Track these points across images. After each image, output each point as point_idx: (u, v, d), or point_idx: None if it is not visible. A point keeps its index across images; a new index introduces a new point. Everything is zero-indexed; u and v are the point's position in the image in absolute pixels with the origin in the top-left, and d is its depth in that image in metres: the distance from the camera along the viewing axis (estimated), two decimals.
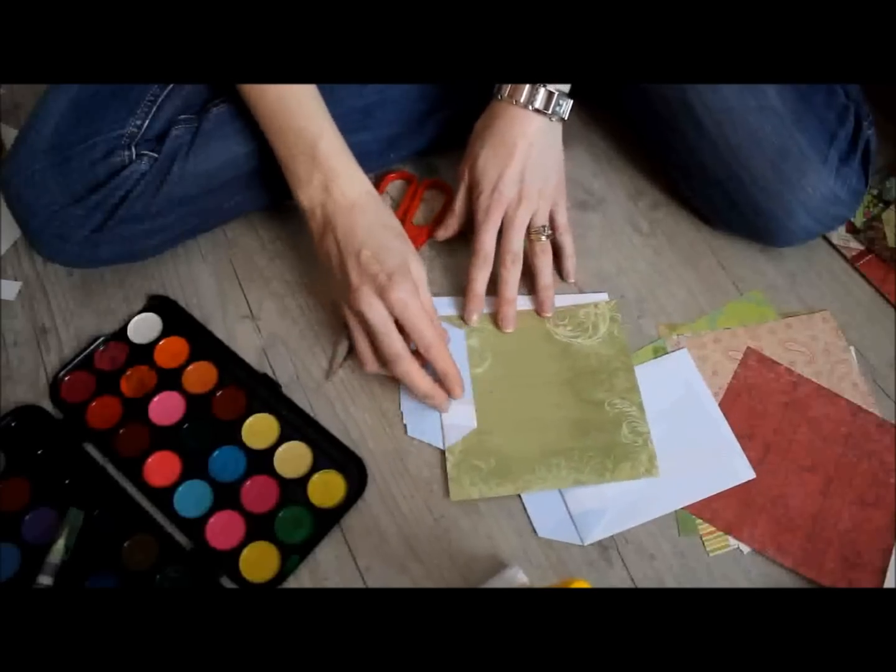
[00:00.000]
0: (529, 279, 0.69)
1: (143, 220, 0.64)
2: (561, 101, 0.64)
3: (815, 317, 0.71)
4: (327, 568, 0.60)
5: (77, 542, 0.59)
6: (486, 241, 0.66)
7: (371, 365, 0.62)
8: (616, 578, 0.60)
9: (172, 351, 0.68)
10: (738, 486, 0.63)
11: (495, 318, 0.68)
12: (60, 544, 0.58)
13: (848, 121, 0.68)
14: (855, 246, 0.75)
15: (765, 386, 0.67)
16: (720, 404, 0.66)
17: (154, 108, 0.63)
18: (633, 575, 0.60)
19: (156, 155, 0.63)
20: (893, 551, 0.60)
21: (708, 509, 0.62)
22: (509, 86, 0.64)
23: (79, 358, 0.67)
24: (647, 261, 0.74)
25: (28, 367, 0.68)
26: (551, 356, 0.67)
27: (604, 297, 0.71)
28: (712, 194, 0.72)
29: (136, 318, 0.70)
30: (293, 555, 0.59)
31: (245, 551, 0.60)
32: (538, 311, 0.69)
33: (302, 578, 0.59)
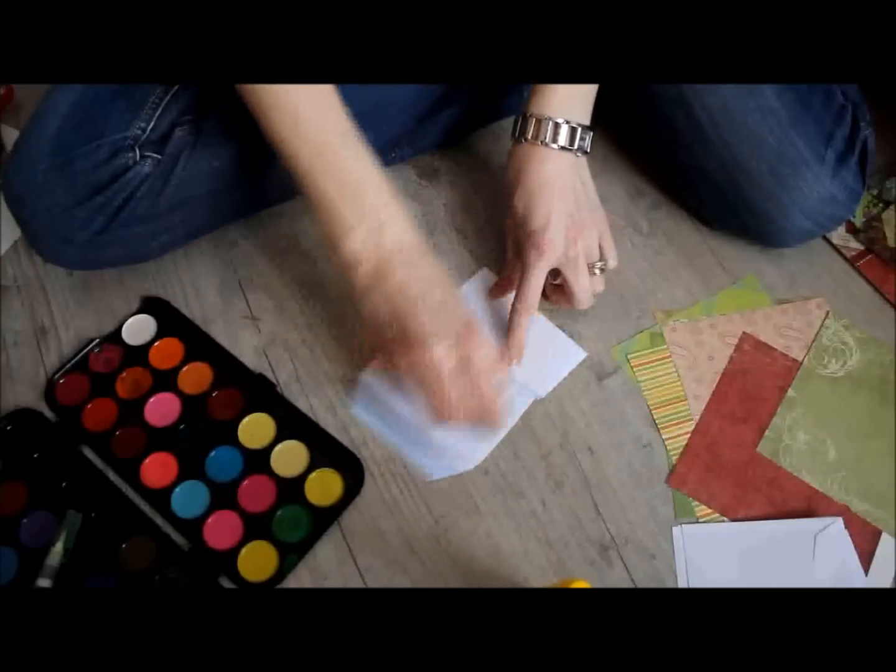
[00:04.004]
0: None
1: (146, 222, 0.64)
2: (584, 136, 0.63)
3: (809, 303, 0.72)
4: (327, 568, 0.60)
5: (75, 545, 0.59)
6: (536, 284, 0.62)
7: (456, 414, 0.56)
8: (616, 578, 0.59)
9: (167, 352, 0.68)
10: (736, 467, 0.64)
11: None
12: (59, 547, 0.58)
13: (845, 121, 0.68)
14: (855, 246, 0.75)
15: (760, 370, 0.68)
16: (716, 389, 0.67)
17: (159, 110, 0.63)
18: (633, 575, 0.60)
19: (159, 157, 0.62)
20: (884, 544, 0.61)
21: (704, 491, 0.63)
22: (532, 127, 0.62)
23: (73, 360, 0.67)
24: (646, 261, 0.74)
25: (28, 368, 0.68)
26: None
27: (582, 355, 0.69)
28: (710, 195, 0.72)
29: (130, 319, 0.69)
30: (291, 554, 0.59)
31: (243, 551, 0.59)
32: None
33: (302, 578, 0.59)
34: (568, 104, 0.62)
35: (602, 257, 0.65)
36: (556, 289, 0.67)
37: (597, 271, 0.65)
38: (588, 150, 0.64)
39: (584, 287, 0.63)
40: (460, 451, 0.63)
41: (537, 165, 0.63)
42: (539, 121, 0.62)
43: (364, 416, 0.65)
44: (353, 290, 0.57)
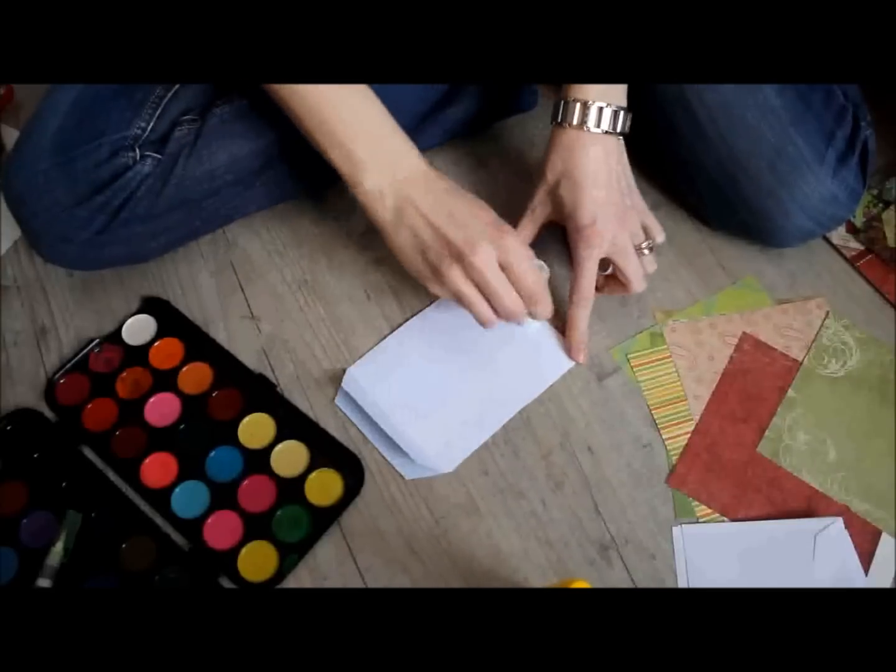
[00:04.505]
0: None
1: (146, 222, 0.64)
2: (625, 118, 0.63)
3: (809, 303, 0.72)
4: (327, 568, 0.60)
5: (75, 545, 0.59)
6: (590, 276, 0.64)
7: (494, 322, 0.61)
8: (616, 578, 0.59)
9: (167, 352, 0.68)
10: (736, 467, 0.63)
11: None
12: (59, 547, 0.58)
13: (846, 121, 0.68)
14: (855, 246, 0.75)
15: (760, 370, 0.68)
16: (716, 389, 0.67)
17: (159, 110, 0.63)
18: (633, 575, 0.60)
19: (159, 156, 0.62)
20: (884, 544, 0.61)
21: (704, 491, 0.63)
22: (577, 112, 0.62)
23: (73, 360, 0.67)
24: None
25: (28, 368, 0.68)
26: None
27: (569, 364, 0.68)
28: (710, 193, 0.72)
29: (130, 319, 0.69)
30: (291, 554, 0.59)
31: (243, 551, 0.59)
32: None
33: (302, 578, 0.59)
34: (608, 88, 0.63)
35: (648, 237, 0.66)
36: (609, 279, 0.68)
37: (645, 251, 0.66)
38: (628, 132, 0.64)
39: (636, 270, 0.65)
40: (441, 453, 0.63)
41: (582, 152, 0.63)
42: (584, 105, 0.62)
43: (346, 410, 0.66)
44: (383, 226, 0.60)
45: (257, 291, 0.72)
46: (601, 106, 0.62)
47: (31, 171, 0.61)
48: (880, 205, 0.76)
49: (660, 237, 0.67)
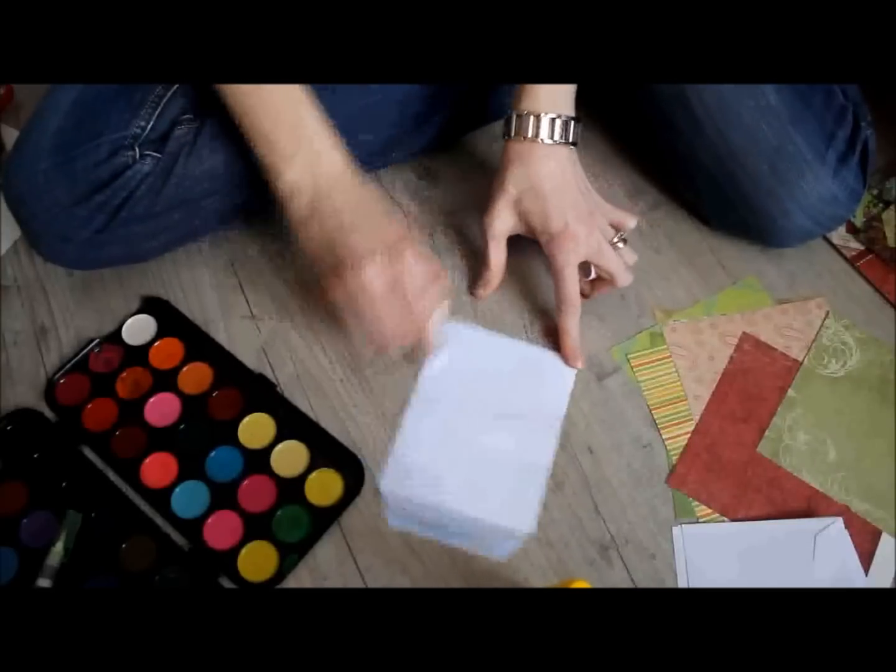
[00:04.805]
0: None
1: (145, 221, 0.64)
2: (575, 128, 0.64)
3: (809, 303, 0.72)
4: (327, 568, 0.60)
5: (75, 545, 0.59)
6: (573, 282, 0.65)
7: (389, 338, 0.59)
8: (616, 578, 0.59)
9: (167, 352, 0.68)
10: (736, 468, 0.64)
11: None
12: (59, 547, 0.58)
13: (846, 121, 0.68)
14: (855, 246, 0.75)
15: (761, 370, 0.68)
16: (716, 389, 0.67)
17: (159, 109, 0.63)
18: (633, 575, 0.60)
19: (159, 155, 0.62)
20: (884, 544, 0.61)
21: (704, 491, 0.63)
22: (529, 125, 0.63)
23: (73, 360, 0.67)
24: (646, 260, 0.74)
25: (28, 368, 0.68)
26: None
27: (573, 372, 0.68)
28: (710, 193, 0.72)
29: (130, 319, 0.69)
30: (292, 554, 0.59)
31: (243, 551, 0.59)
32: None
33: (302, 578, 0.59)
34: (557, 99, 0.64)
35: (618, 230, 0.67)
36: (594, 282, 0.69)
37: (619, 245, 0.67)
38: (578, 142, 0.65)
39: (618, 265, 0.65)
40: (512, 516, 0.60)
41: (540, 163, 0.64)
42: (535, 117, 0.63)
43: (403, 527, 0.61)
44: (295, 220, 0.60)
45: (257, 291, 0.72)
46: (553, 117, 0.63)
47: (31, 171, 0.61)
48: (880, 205, 0.76)
49: (631, 223, 0.68)
